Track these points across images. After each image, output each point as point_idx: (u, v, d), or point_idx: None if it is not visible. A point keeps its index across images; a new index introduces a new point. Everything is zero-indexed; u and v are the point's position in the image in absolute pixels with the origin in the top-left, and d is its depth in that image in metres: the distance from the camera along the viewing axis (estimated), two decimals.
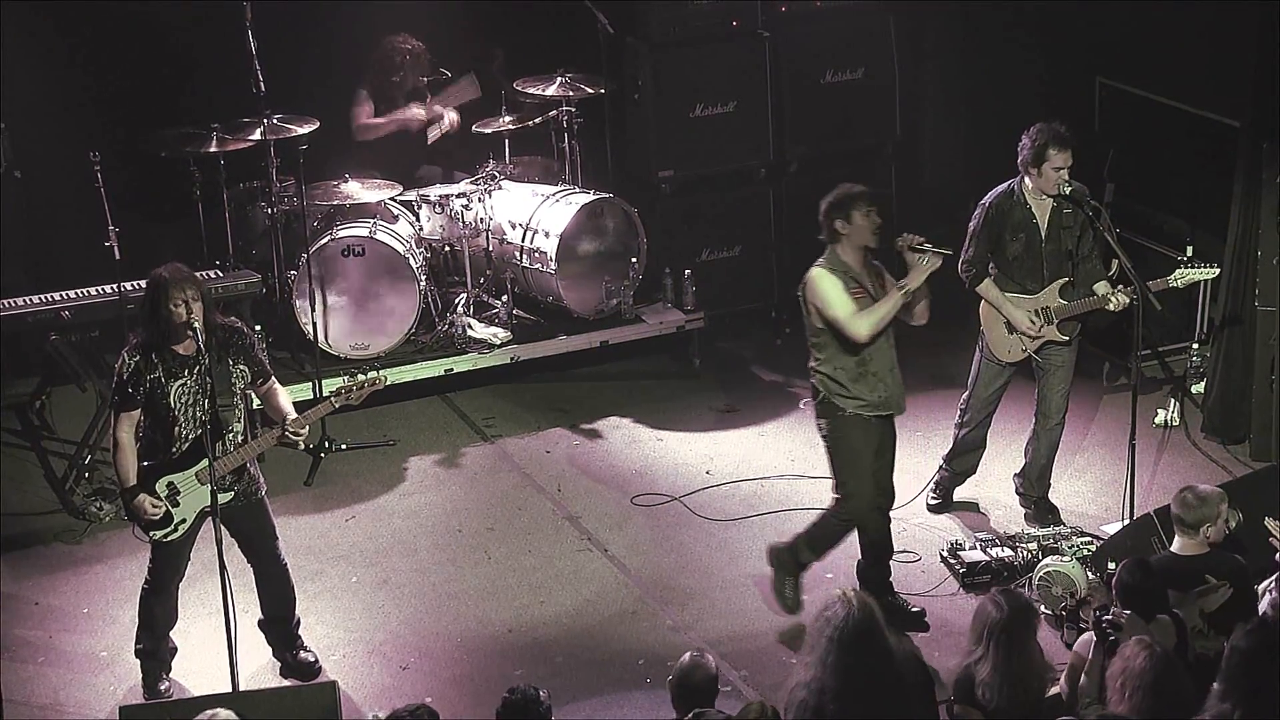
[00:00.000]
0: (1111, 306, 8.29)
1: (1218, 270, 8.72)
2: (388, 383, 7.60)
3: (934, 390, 10.06)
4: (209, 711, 6.04)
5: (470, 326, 10.01)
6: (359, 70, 10.62)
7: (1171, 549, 7.23)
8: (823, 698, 5.91)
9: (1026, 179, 8.30)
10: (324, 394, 9.27)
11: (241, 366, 7.34)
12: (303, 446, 7.51)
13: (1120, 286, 8.24)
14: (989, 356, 8.55)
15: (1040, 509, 8.74)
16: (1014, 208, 8.32)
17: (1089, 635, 6.73)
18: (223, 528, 7.07)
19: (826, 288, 7.69)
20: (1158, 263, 9.76)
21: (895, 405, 7.82)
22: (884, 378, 7.74)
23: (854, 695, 5.89)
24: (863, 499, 7.80)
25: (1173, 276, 8.38)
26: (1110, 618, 6.75)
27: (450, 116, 10.70)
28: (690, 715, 6.13)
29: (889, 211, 11.18)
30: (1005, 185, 8.38)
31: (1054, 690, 6.66)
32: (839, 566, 8.50)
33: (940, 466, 8.91)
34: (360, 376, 7.45)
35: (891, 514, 8.81)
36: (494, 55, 10.90)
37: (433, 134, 10.66)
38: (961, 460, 8.85)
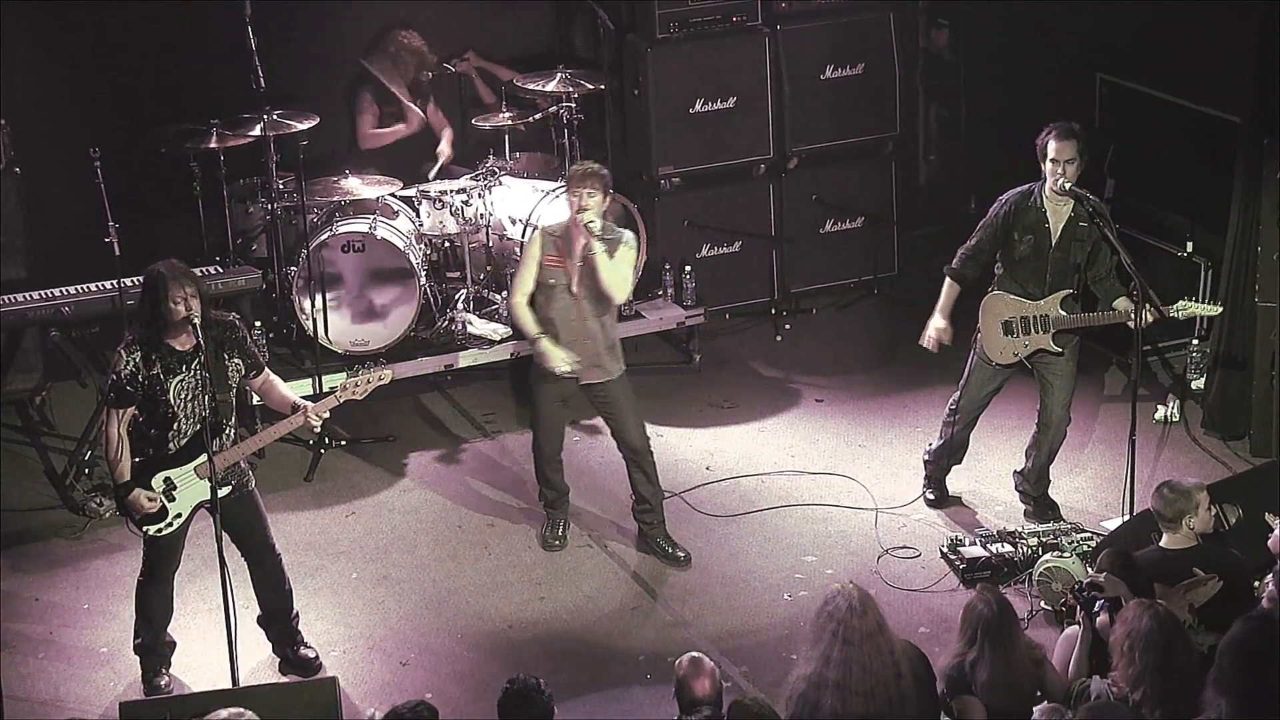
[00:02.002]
0: (1132, 324, 8.15)
1: (1220, 309, 8.68)
2: (391, 378, 7.59)
3: (936, 387, 10.05)
4: (230, 710, 5.99)
5: (470, 322, 10.00)
6: (361, 69, 10.60)
7: (1160, 545, 7.22)
8: (822, 691, 5.93)
9: (1049, 182, 8.24)
10: (324, 390, 9.27)
11: (236, 360, 7.34)
12: (317, 427, 7.49)
13: (1148, 306, 8.12)
14: (982, 356, 8.54)
15: (1040, 505, 8.74)
16: (1029, 209, 8.26)
17: (1072, 629, 6.75)
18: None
19: (525, 251, 8.47)
20: (1158, 260, 9.78)
21: (577, 372, 8.31)
22: (566, 343, 8.28)
23: (854, 688, 5.90)
24: (538, 442, 8.57)
25: (1175, 307, 8.24)
26: (1090, 581, 6.79)
27: (445, 152, 10.66)
28: (695, 718, 6.14)
29: (888, 209, 11.32)
30: (1027, 185, 8.30)
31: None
32: (837, 561, 8.52)
33: (925, 462, 8.91)
34: (365, 373, 7.44)
35: (892, 510, 8.89)
36: (464, 57, 10.87)
37: (438, 165, 10.66)
38: (950, 454, 8.84)
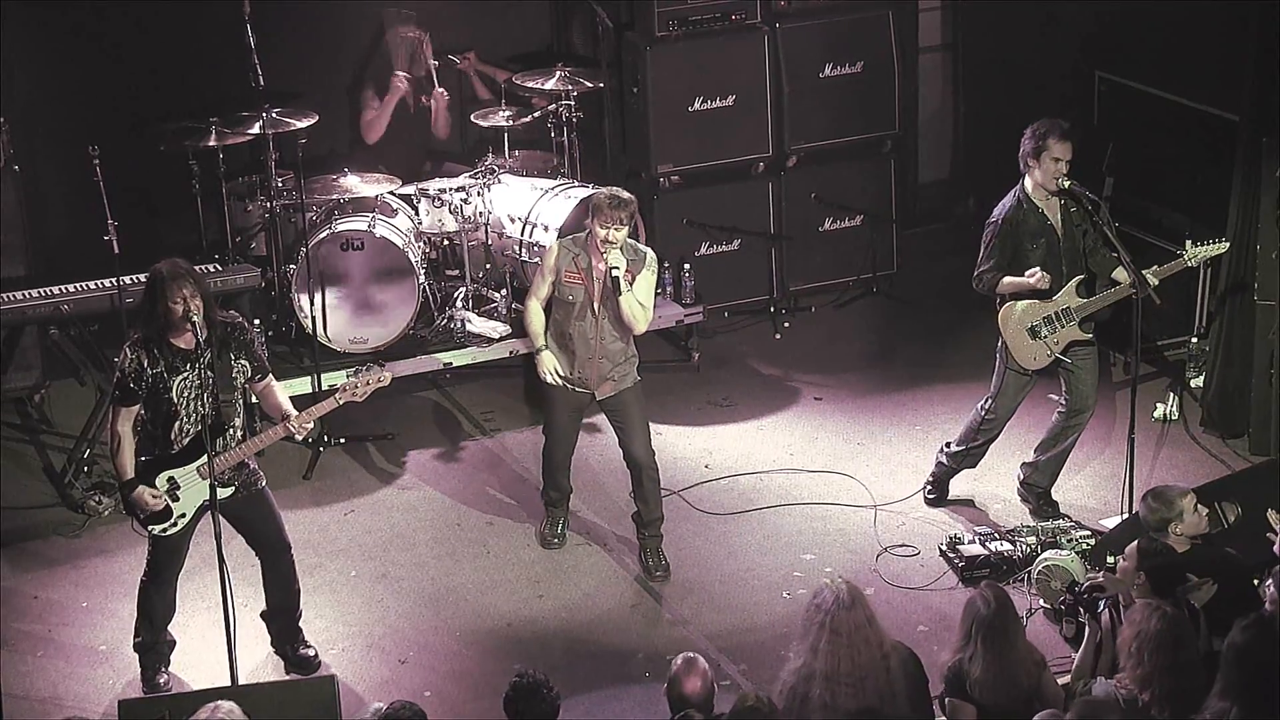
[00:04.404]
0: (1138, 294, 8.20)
1: (1227, 245, 8.65)
2: (390, 379, 7.58)
3: (935, 385, 10.08)
4: (211, 704, 6.04)
5: (469, 320, 10.00)
6: (363, 67, 10.60)
7: None
8: (811, 683, 5.93)
9: (1027, 179, 8.24)
10: (323, 388, 9.27)
11: (243, 362, 7.33)
12: (299, 438, 7.52)
13: (1154, 267, 8.21)
14: (1014, 368, 8.44)
15: (1040, 503, 8.73)
16: (1027, 215, 8.24)
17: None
18: (224, 522, 7.07)
19: (544, 260, 8.37)
20: (1157, 257, 9.76)
21: (589, 386, 8.34)
22: (583, 362, 8.27)
23: (842, 679, 5.91)
24: (550, 450, 8.60)
25: (1187, 255, 8.32)
26: (1091, 583, 6.81)
27: (437, 91, 10.63)
28: (678, 716, 6.14)
29: (887, 207, 11.32)
30: (1010, 196, 8.28)
31: (1061, 681, 6.67)
32: (836, 559, 8.52)
33: (939, 461, 8.88)
34: (364, 374, 7.44)
35: (891, 508, 8.89)
36: (464, 57, 10.87)
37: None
38: (969, 460, 8.81)
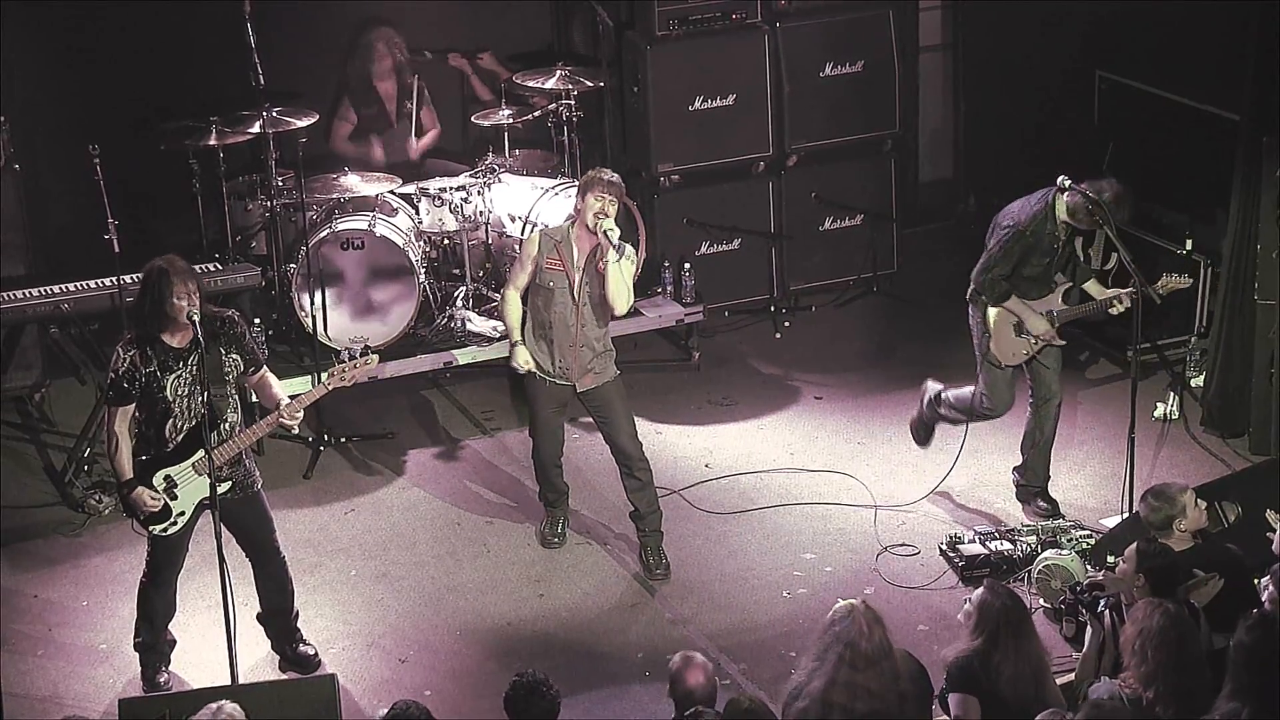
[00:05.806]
0: (1114, 310, 8.33)
1: (1190, 281, 8.66)
2: (377, 362, 7.57)
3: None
4: (214, 704, 6.03)
5: (469, 320, 10.00)
6: (343, 71, 10.59)
7: None
8: (828, 710, 5.90)
9: (1060, 204, 8.21)
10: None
11: (234, 356, 7.33)
12: (295, 431, 7.50)
13: (1125, 288, 8.27)
14: (992, 360, 8.49)
15: (1040, 501, 8.74)
16: (1047, 235, 8.27)
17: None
18: (220, 522, 7.07)
19: (523, 249, 8.43)
20: (1157, 256, 9.77)
21: (570, 378, 8.32)
22: (564, 351, 8.27)
23: (859, 711, 5.89)
24: (537, 448, 8.57)
25: (1157, 288, 8.37)
26: (1089, 581, 6.81)
27: (421, 146, 10.66)
28: (688, 714, 6.14)
29: (888, 206, 11.32)
30: (1040, 206, 8.25)
31: (1063, 680, 6.67)
32: (836, 559, 8.52)
33: (940, 412, 8.85)
34: (351, 359, 7.44)
35: (891, 508, 8.89)
36: (479, 56, 10.86)
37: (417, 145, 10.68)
38: (964, 420, 8.85)
